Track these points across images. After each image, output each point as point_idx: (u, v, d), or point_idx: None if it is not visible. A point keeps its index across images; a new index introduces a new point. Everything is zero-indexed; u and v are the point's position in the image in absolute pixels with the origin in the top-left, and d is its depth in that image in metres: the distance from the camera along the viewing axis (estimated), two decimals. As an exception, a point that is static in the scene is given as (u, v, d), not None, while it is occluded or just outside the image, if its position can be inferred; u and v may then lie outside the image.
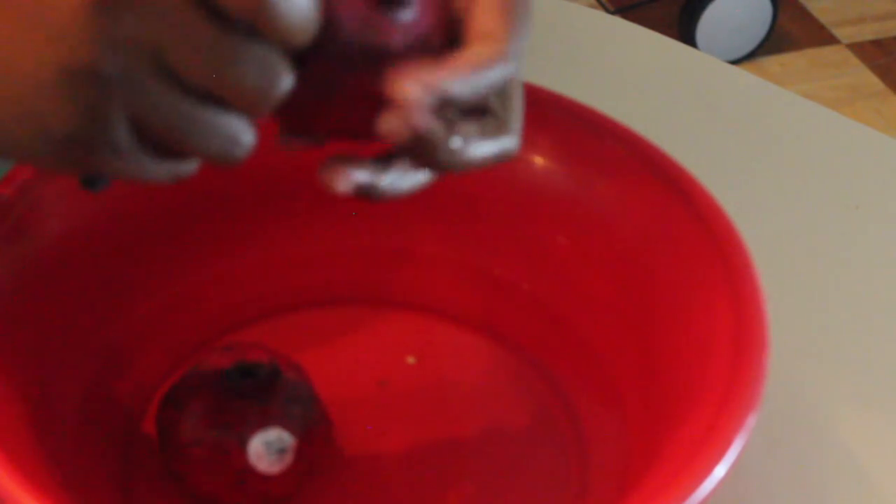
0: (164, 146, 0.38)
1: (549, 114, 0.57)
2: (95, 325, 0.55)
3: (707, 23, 2.01)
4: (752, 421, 0.44)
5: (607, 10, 2.12)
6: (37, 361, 0.50)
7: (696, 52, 0.83)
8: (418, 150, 0.40)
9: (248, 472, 0.50)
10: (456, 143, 0.40)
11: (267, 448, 0.50)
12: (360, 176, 0.41)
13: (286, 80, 0.37)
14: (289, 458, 0.51)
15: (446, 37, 0.42)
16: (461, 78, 0.40)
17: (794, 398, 0.59)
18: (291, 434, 0.51)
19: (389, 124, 0.39)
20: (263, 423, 0.51)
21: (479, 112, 0.43)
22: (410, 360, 0.61)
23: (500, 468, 0.56)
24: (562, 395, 0.59)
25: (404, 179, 0.42)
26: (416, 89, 0.39)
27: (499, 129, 0.43)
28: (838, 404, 0.60)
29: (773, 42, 2.11)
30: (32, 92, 0.36)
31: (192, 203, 0.58)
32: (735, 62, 2.04)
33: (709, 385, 0.47)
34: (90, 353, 0.54)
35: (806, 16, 2.22)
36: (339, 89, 0.40)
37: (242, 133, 0.38)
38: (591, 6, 1.63)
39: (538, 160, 0.58)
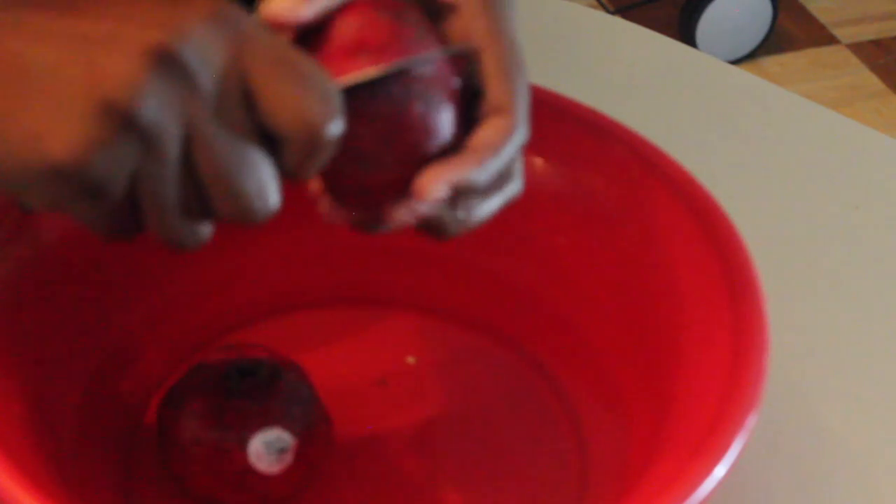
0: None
1: (549, 114, 0.57)
2: (95, 326, 0.55)
3: (707, 23, 2.01)
4: (752, 421, 0.44)
5: (607, 10, 2.12)
6: (37, 361, 0.50)
7: (696, 52, 0.83)
8: (428, 228, 0.43)
9: (248, 472, 0.50)
10: (461, 214, 0.43)
11: (267, 448, 0.50)
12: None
13: (273, 207, 0.39)
14: (289, 458, 0.51)
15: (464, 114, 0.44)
16: (483, 167, 0.42)
17: (794, 398, 0.59)
18: (291, 434, 0.51)
19: (400, 215, 0.42)
20: (263, 423, 0.51)
21: None
22: (410, 360, 0.61)
23: (500, 468, 0.56)
24: (562, 395, 0.59)
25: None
26: (441, 188, 0.41)
27: (503, 179, 0.44)
28: (838, 404, 0.60)
29: (773, 42, 2.11)
30: (54, 109, 0.36)
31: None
32: (735, 62, 2.04)
33: (709, 385, 0.47)
34: (90, 353, 0.54)
35: (806, 16, 2.22)
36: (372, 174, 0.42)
37: (187, 238, 0.39)
38: (591, 6, 1.63)
39: (538, 160, 0.58)
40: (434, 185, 0.41)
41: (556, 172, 0.58)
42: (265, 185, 0.38)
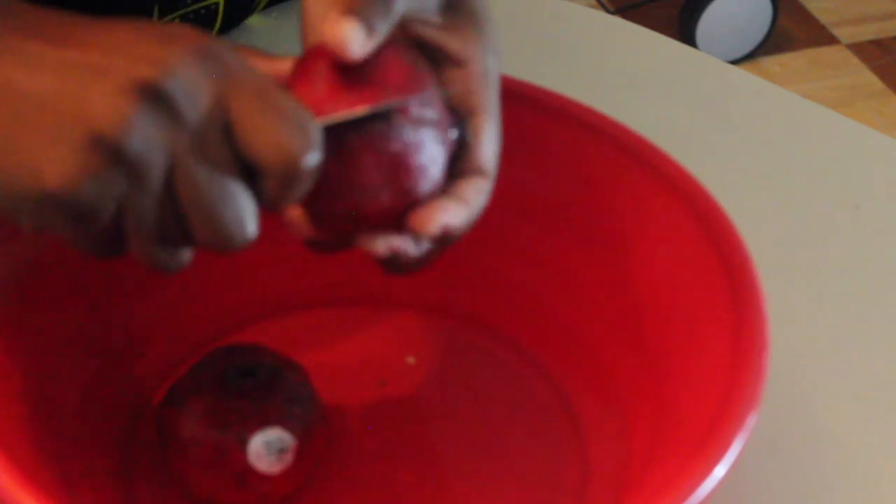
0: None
1: (548, 114, 0.57)
2: (95, 325, 0.55)
3: (707, 23, 2.01)
4: (752, 421, 0.44)
5: (607, 10, 2.12)
6: (37, 361, 0.50)
7: (696, 52, 0.83)
8: (391, 263, 0.46)
9: (248, 472, 0.50)
10: (427, 255, 0.46)
11: (267, 448, 0.50)
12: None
13: (249, 236, 0.40)
14: (289, 458, 0.51)
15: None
16: (465, 217, 0.45)
17: (794, 398, 0.59)
18: (291, 434, 0.51)
19: (375, 245, 0.45)
20: (263, 423, 0.51)
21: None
22: (410, 360, 0.61)
23: (500, 468, 0.56)
24: (562, 395, 0.59)
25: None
26: (437, 227, 0.44)
27: (479, 192, 0.47)
28: (838, 404, 0.60)
29: (773, 42, 2.11)
30: (47, 141, 0.37)
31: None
32: (735, 62, 2.04)
33: (709, 385, 0.47)
34: (90, 353, 0.54)
35: (806, 16, 2.22)
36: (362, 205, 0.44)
37: (167, 262, 0.41)
38: (591, 6, 1.63)
39: (538, 160, 0.58)
40: (432, 224, 0.44)
41: (556, 173, 0.58)
42: (242, 215, 0.40)
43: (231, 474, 0.51)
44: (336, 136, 0.42)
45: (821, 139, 0.76)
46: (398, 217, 0.45)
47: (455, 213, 0.45)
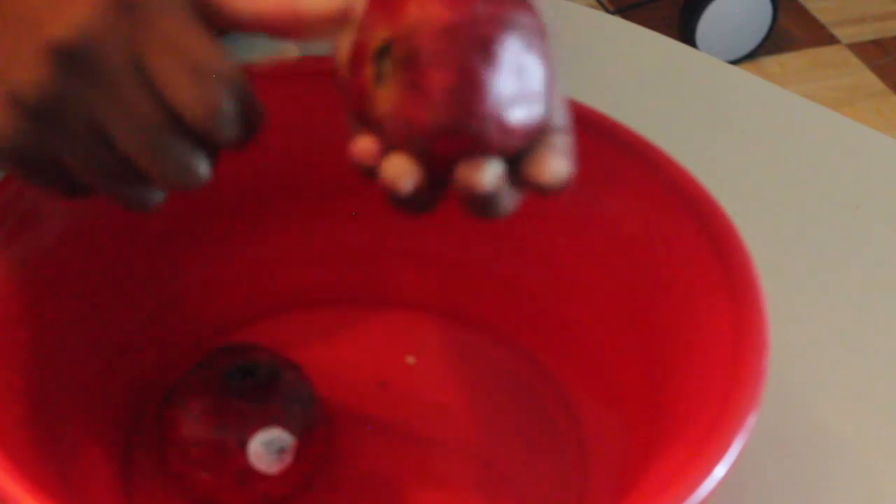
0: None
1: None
2: (96, 325, 0.55)
3: (707, 23, 2.01)
4: (752, 421, 0.44)
5: (607, 10, 2.12)
6: (37, 361, 0.50)
7: (696, 52, 0.83)
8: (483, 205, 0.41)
9: (248, 472, 0.50)
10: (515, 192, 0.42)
11: (267, 448, 0.50)
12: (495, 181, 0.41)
13: (201, 178, 0.41)
14: (289, 458, 0.51)
15: None
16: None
17: (794, 398, 0.59)
18: (291, 434, 0.51)
19: (480, 177, 0.40)
20: (263, 423, 0.51)
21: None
22: (410, 360, 0.61)
23: (500, 468, 0.56)
24: (562, 395, 0.59)
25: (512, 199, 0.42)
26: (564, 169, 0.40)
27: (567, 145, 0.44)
28: (838, 404, 0.60)
29: (773, 42, 2.11)
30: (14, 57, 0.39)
31: (192, 203, 0.58)
32: (735, 62, 2.04)
33: (709, 385, 0.47)
34: (90, 353, 0.54)
35: (806, 16, 2.22)
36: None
37: (135, 202, 0.42)
38: (591, 6, 1.63)
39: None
40: (557, 167, 0.41)
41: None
42: (184, 161, 0.40)
43: (231, 474, 0.51)
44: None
45: (821, 139, 0.76)
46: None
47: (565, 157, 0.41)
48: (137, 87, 0.39)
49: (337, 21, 0.42)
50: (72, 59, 0.39)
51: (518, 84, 0.40)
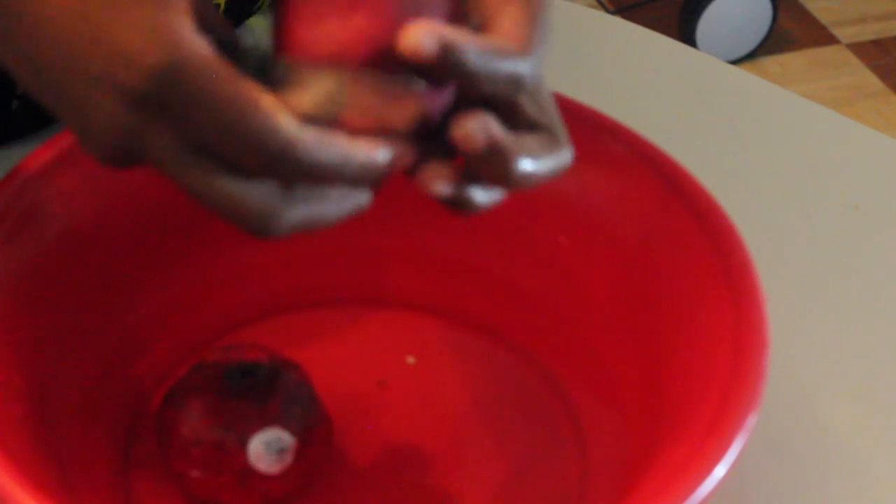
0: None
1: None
2: (96, 326, 0.55)
3: (707, 23, 2.01)
4: (752, 421, 0.44)
5: (607, 10, 2.12)
6: (37, 361, 0.50)
7: (696, 52, 0.83)
8: (491, 164, 0.41)
9: (248, 472, 0.50)
10: (525, 158, 0.41)
11: (267, 448, 0.50)
12: (452, 185, 0.42)
13: (279, 233, 0.41)
14: (289, 458, 0.51)
15: None
16: (478, 51, 0.39)
17: (794, 398, 0.59)
18: (291, 434, 0.51)
19: (465, 128, 0.40)
20: (263, 423, 0.51)
21: (529, 127, 0.43)
22: (410, 360, 0.61)
23: (500, 468, 0.56)
24: (562, 395, 0.59)
25: (485, 194, 0.43)
26: (430, 40, 0.38)
27: (553, 143, 0.44)
28: (838, 404, 0.60)
29: (773, 42, 2.11)
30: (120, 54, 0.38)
31: (191, 203, 0.58)
32: (735, 62, 2.04)
33: (709, 385, 0.47)
34: (90, 353, 0.54)
35: (806, 16, 2.22)
36: None
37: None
38: (591, 6, 1.63)
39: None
40: (423, 34, 0.38)
41: (556, 172, 0.58)
42: (252, 209, 0.41)
43: (231, 474, 0.51)
44: None
45: (821, 139, 0.76)
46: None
47: (457, 34, 0.39)
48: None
49: None
50: (157, 114, 0.38)
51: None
